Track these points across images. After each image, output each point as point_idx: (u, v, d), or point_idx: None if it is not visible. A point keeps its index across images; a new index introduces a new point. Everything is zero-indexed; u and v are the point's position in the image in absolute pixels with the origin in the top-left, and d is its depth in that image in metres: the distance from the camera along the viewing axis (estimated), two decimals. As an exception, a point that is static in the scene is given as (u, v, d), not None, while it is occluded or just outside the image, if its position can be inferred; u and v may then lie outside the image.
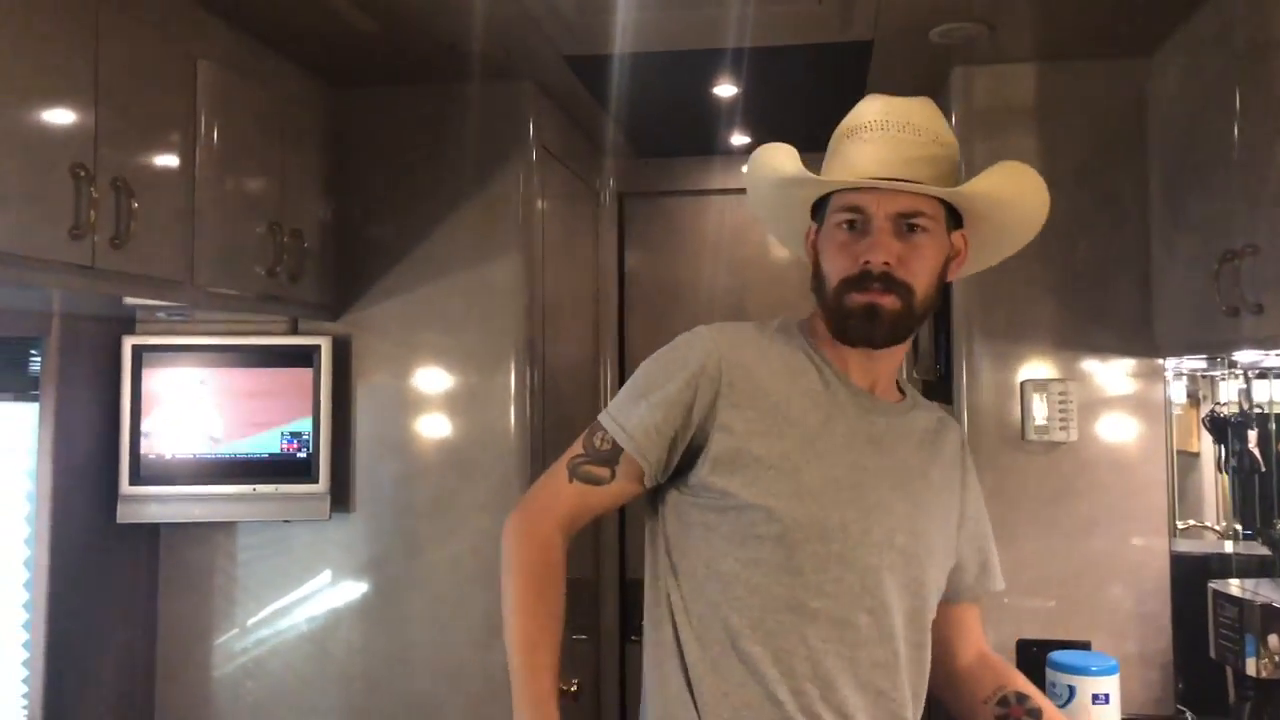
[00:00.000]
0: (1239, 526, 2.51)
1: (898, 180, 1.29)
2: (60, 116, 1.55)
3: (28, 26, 1.48)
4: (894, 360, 1.42)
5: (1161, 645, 2.23)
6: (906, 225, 1.30)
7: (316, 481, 2.33)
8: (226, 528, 2.48)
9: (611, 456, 1.36)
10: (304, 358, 2.35)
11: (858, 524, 1.31)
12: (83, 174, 1.55)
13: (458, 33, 2.14)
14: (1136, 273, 2.25)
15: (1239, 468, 2.34)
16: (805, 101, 2.61)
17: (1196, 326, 1.99)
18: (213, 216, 1.93)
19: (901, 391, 1.47)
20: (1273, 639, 1.88)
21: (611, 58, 2.34)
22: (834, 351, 1.39)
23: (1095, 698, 1.73)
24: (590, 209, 3.30)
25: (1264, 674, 1.90)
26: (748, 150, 2.28)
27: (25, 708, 2.09)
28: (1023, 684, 1.47)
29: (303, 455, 2.33)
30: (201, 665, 2.48)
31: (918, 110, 1.34)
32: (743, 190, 1.53)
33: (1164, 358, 2.26)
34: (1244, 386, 2.32)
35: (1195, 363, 2.39)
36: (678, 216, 3.50)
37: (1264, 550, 2.30)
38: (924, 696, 1.40)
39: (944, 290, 1.40)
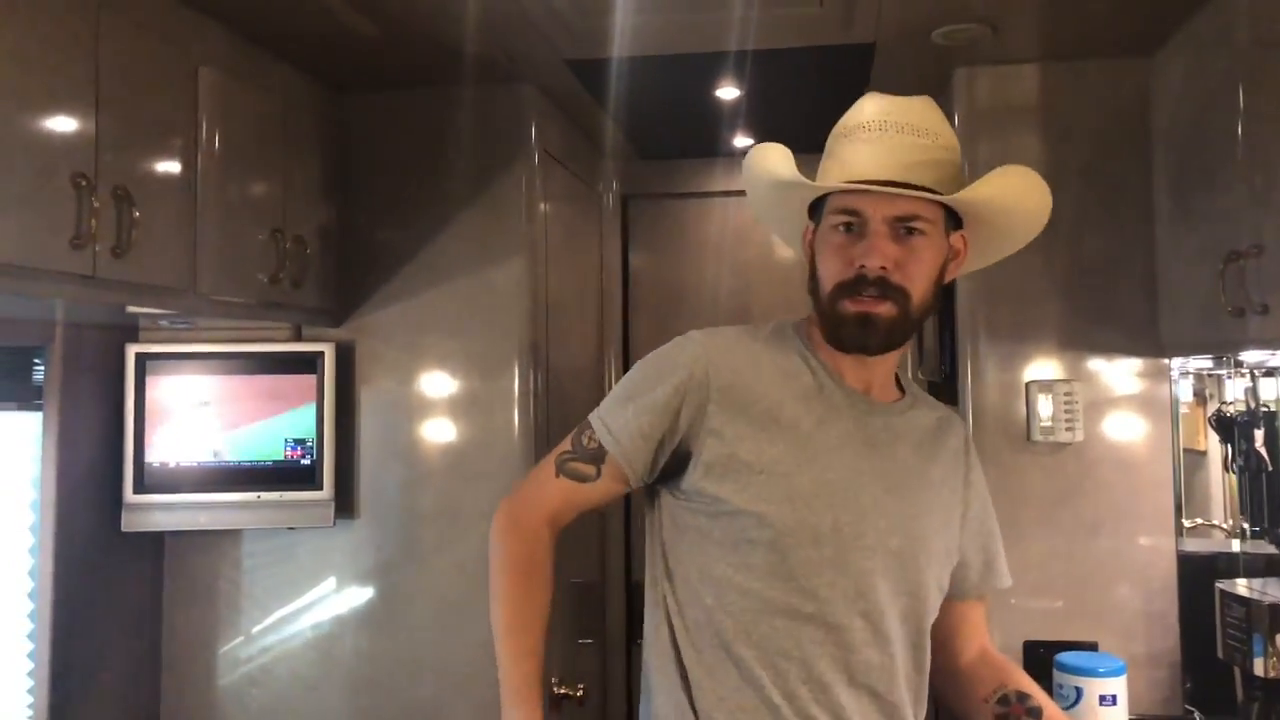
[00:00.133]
0: (1246, 525, 2.50)
1: (894, 186, 1.27)
2: (61, 125, 1.54)
3: (27, 34, 1.48)
4: (891, 361, 1.40)
5: (1169, 645, 2.22)
6: (904, 228, 1.28)
7: (321, 488, 2.33)
8: (231, 535, 2.47)
9: (597, 456, 1.37)
10: (307, 364, 2.35)
11: (850, 527, 1.30)
12: (84, 183, 1.55)
13: (458, 37, 2.14)
14: (1142, 273, 2.25)
15: (1246, 467, 2.32)
16: (808, 104, 2.59)
17: (1202, 327, 1.98)
18: (214, 223, 1.92)
19: (901, 389, 1.46)
20: (1280, 639, 1.88)
21: (613, 61, 2.33)
22: (829, 353, 1.38)
23: (1103, 699, 1.73)
24: (594, 211, 3.29)
25: (1272, 673, 1.89)
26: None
27: (31, 717, 2.09)
28: (1024, 682, 1.46)
29: (307, 462, 2.33)
30: (207, 673, 2.47)
31: (918, 110, 1.32)
32: (745, 192, 1.53)
33: (1170, 357, 2.25)
34: (1250, 385, 2.31)
35: (1201, 362, 2.38)
36: (682, 218, 3.50)
37: (1271, 549, 2.29)
38: (926, 697, 1.39)
39: (948, 291, 1.39)
